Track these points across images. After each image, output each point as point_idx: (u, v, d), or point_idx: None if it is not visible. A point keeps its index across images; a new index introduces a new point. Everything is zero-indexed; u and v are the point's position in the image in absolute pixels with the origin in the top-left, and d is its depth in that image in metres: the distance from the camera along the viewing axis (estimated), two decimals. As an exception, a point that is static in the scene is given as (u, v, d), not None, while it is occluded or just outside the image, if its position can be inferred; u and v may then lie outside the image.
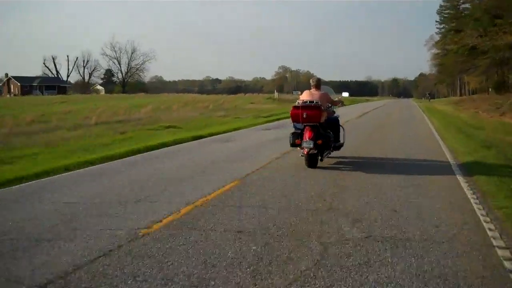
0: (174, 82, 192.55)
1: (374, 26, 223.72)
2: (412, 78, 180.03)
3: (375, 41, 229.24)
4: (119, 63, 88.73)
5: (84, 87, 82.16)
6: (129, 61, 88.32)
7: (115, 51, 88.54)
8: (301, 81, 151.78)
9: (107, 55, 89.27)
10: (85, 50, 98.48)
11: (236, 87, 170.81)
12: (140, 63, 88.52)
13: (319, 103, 7.54)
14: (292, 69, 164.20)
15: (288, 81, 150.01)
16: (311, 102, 7.59)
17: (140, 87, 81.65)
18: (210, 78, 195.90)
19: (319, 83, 8.23)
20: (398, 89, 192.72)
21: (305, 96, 8.06)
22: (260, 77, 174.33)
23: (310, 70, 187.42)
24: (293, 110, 7.53)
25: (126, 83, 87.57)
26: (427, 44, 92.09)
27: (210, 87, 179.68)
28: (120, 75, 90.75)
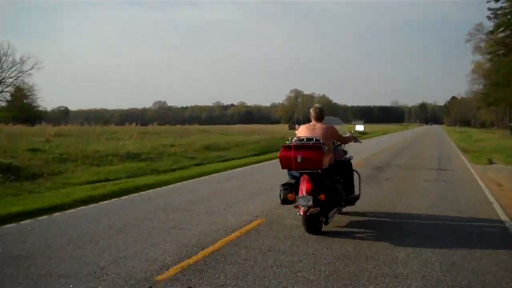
0: (182, 108, 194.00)
1: (401, 47, 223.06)
2: (442, 103, 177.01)
3: (402, 63, 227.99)
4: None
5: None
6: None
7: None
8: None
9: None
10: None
11: (246, 114, 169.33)
12: (16, 74, 59.45)
13: (321, 141, 5.72)
14: (306, 93, 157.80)
15: (299, 108, 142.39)
16: (308, 139, 5.77)
17: (34, 115, 57.55)
18: (220, 104, 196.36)
19: (321, 114, 6.36)
20: (427, 115, 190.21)
21: (302, 131, 6.21)
22: (279, 102, 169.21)
23: (327, 94, 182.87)
24: (283, 152, 5.62)
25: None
26: (471, 39, 55.09)
27: (219, 113, 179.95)
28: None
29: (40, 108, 65.71)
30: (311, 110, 6.43)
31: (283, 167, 5.79)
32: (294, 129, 7.03)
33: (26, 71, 59.45)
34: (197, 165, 14.87)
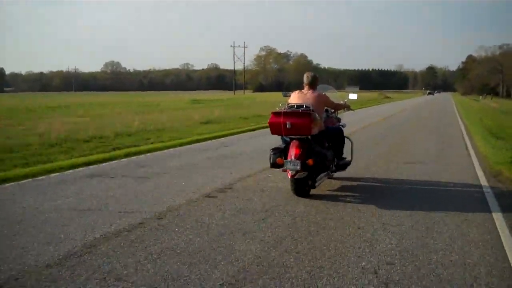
0: (143, 72, 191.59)
1: (407, 5, 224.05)
2: (454, 68, 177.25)
3: (408, 23, 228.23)
4: None
5: None
6: None
7: None
8: (289, 69, 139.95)
9: None
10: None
11: (219, 78, 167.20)
12: None
13: (311, 107, 6.94)
14: (280, 51, 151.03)
15: (267, 70, 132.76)
16: (299, 106, 6.98)
17: None
18: (189, 67, 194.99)
19: (314, 81, 7.58)
20: (436, 81, 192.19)
21: (294, 98, 7.44)
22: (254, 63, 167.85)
23: (306, 53, 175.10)
24: (273, 118, 6.79)
25: None
26: None
27: (185, 77, 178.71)
28: None
29: None
30: (304, 77, 7.60)
31: (273, 133, 6.96)
32: (288, 96, 8.13)
33: None
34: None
